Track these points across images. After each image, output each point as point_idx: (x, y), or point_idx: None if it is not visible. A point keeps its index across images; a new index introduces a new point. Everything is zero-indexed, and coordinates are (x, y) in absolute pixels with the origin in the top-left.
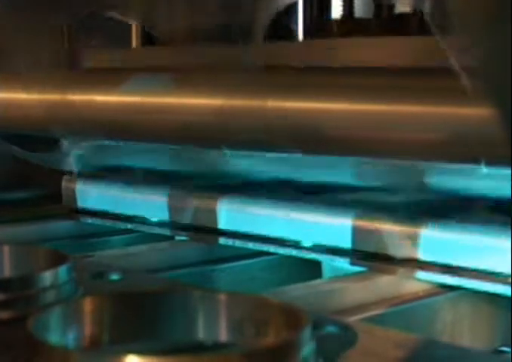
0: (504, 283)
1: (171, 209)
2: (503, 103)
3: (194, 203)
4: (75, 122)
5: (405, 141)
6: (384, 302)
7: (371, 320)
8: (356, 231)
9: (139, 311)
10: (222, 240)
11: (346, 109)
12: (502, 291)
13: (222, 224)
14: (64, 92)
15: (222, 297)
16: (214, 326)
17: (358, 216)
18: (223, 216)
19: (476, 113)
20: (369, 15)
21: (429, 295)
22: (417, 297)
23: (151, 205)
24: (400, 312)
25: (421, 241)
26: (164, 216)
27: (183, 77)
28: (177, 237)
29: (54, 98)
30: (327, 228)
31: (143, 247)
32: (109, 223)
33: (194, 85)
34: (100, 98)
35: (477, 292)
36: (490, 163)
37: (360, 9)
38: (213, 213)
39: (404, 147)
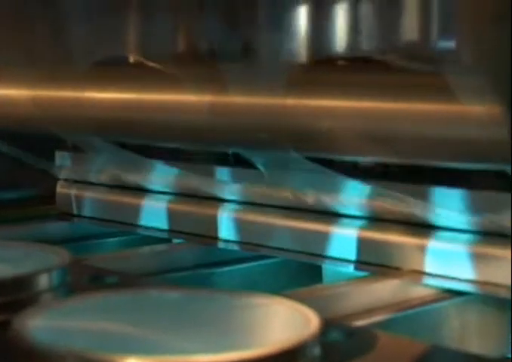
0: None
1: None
2: (504, 102)
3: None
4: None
5: (405, 141)
6: (389, 307)
7: (377, 325)
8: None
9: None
10: (220, 244)
11: (347, 108)
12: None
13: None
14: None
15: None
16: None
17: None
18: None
19: (477, 112)
20: None
21: (435, 300)
22: (423, 302)
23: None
24: (406, 318)
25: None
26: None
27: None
28: (175, 240)
29: (52, 96)
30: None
31: (139, 250)
32: (103, 225)
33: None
34: (96, 95)
35: (485, 297)
36: (491, 163)
37: None
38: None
39: (406, 147)
